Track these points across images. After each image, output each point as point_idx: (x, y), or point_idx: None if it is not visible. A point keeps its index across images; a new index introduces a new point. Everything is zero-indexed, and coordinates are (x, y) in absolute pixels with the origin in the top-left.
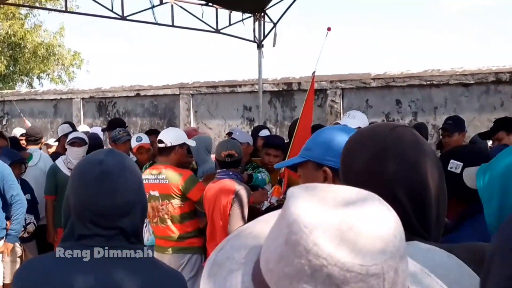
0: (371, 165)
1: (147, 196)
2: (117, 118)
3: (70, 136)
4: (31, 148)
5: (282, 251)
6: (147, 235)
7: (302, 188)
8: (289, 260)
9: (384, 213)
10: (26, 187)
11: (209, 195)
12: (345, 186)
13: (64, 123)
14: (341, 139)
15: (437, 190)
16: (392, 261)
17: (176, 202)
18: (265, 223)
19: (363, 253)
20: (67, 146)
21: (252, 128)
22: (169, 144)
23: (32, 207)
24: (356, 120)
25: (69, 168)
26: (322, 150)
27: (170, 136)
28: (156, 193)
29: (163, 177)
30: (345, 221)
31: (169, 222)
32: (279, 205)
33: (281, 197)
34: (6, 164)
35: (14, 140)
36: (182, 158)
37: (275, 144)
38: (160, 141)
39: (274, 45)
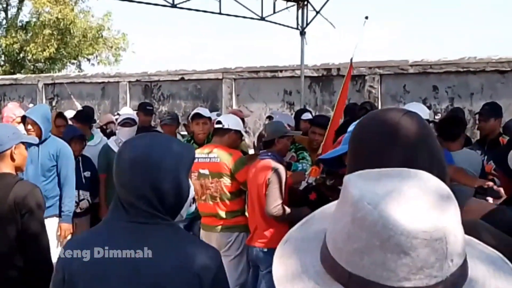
0: (378, 151)
1: (196, 174)
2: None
3: (121, 117)
4: (94, 129)
5: (349, 229)
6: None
7: (356, 174)
8: (357, 236)
9: (436, 183)
10: (87, 164)
11: (250, 176)
12: (394, 168)
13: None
14: None
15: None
16: (450, 225)
17: (226, 180)
18: (322, 214)
19: (425, 220)
20: (118, 127)
21: (293, 111)
22: (226, 126)
23: (91, 184)
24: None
25: None
26: None
27: (229, 120)
28: (206, 171)
29: (215, 155)
30: (405, 193)
31: (218, 200)
32: (316, 184)
33: (318, 177)
34: (66, 145)
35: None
36: (234, 143)
37: (321, 123)
38: (219, 122)
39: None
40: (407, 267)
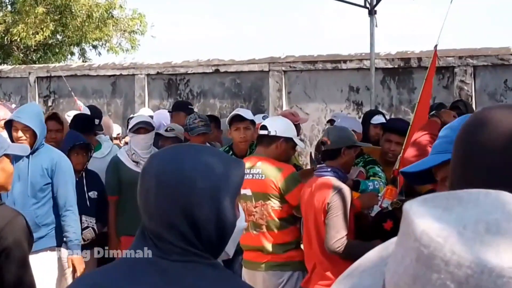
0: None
1: None
2: (183, 101)
3: (134, 121)
4: (102, 136)
5: (415, 270)
6: None
7: (419, 199)
8: (426, 278)
9: None
10: (93, 181)
11: (305, 198)
12: (468, 189)
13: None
14: None
15: None
16: None
17: (274, 203)
18: (377, 255)
19: (510, 254)
20: (130, 134)
21: (361, 113)
22: (272, 133)
23: (98, 208)
24: None
25: (134, 161)
26: None
27: (276, 125)
28: (248, 191)
29: (258, 171)
30: (481, 221)
31: (264, 229)
32: (393, 209)
33: (395, 199)
34: (64, 156)
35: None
36: (284, 154)
37: (399, 129)
38: (264, 127)
39: None
40: None
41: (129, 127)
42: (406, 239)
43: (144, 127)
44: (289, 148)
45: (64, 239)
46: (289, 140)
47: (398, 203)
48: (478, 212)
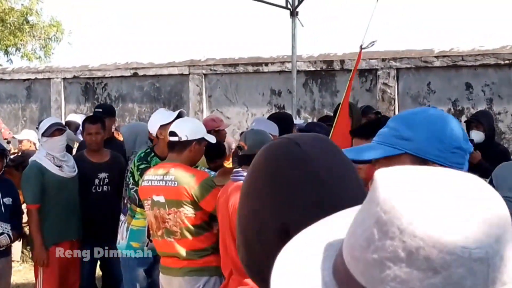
0: None
1: (150, 201)
2: (105, 104)
3: (46, 124)
4: None
5: (371, 234)
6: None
7: (392, 168)
8: (380, 243)
9: (488, 193)
10: (7, 188)
11: (220, 202)
12: (442, 168)
13: None
14: (453, 129)
15: None
16: (498, 246)
17: (187, 210)
18: (341, 219)
19: (466, 234)
20: (45, 139)
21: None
22: (183, 138)
23: (13, 214)
24: None
25: (57, 166)
26: (429, 141)
27: (185, 129)
28: (161, 198)
29: (171, 178)
30: (445, 200)
31: (178, 236)
32: None
33: None
34: None
35: None
36: (198, 157)
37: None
38: (173, 133)
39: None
40: None
41: (42, 131)
42: (369, 203)
43: (58, 128)
44: (202, 147)
45: None
46: (201, 140)
47: None
48: (446, 191)
